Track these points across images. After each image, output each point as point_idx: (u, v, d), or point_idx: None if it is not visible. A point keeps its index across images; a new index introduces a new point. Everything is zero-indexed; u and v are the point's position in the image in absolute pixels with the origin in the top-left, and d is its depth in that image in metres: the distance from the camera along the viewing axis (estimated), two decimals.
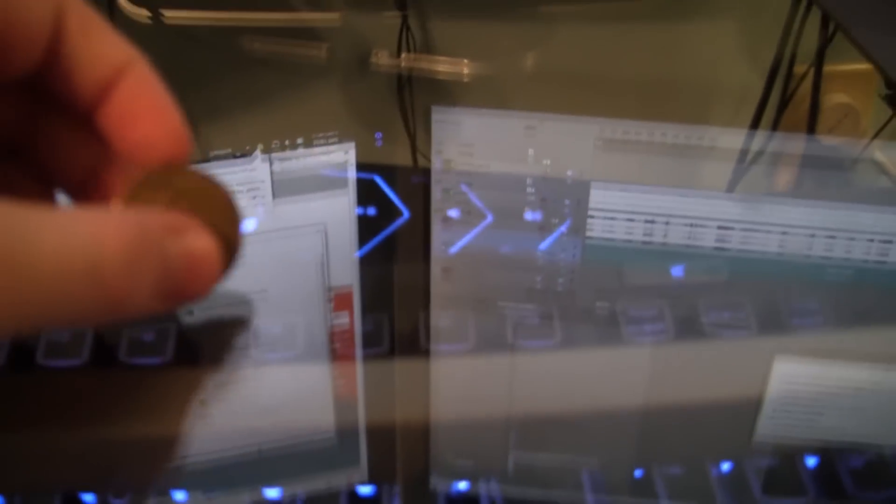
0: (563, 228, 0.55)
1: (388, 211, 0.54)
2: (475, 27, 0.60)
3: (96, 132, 0.26)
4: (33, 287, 0.18)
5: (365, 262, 0.51)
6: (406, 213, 0.54)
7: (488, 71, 0.58)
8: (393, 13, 0.59)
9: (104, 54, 0.24)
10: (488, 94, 0.58)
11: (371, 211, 0.53)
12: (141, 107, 0.25)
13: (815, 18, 0.60)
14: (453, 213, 0.54)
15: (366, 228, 0.52)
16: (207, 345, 0.47)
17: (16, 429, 0.38)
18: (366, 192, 0.53)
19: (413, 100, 0.59)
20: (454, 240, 0.55)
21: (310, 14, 0.59)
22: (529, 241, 0.55)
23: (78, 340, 0.45)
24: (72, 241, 0.19)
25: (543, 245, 0.55)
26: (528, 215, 0.55)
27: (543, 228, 0.55)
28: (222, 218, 0.25)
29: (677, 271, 0.54)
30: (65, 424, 0.39)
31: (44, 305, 0.19)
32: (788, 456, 0.44)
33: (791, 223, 0.54)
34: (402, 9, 0.60)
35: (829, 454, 0.44)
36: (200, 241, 0.23)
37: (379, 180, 0.55)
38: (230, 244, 0.25)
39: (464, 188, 0.54)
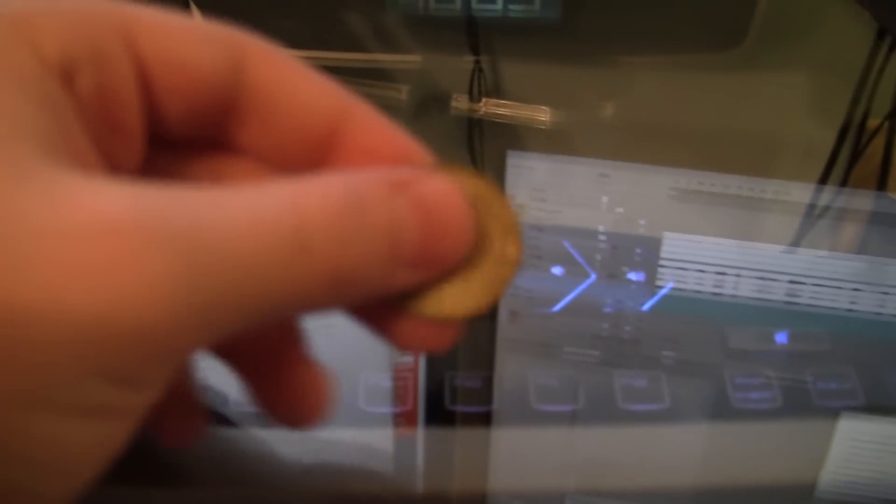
0: (633, 277, 0.55)
1: None
2: (547, 73, 0.61)
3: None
4: (223, 268, 0.15)
5: None
6: None
7: (567, 119, 0.59)
8: (468, 58, 0.60)
9: (308, 105, 0.20)
10: (561, 141, 0.59)
11: None
12: (368, 156, 0.21)
13: (892, 70, 0.60)
14: (523, 256, 0.55)
15: None
16: None
17: None
18: None
19: (483, 144, 0.59)
20: (524, 285, 0.55)
21: (391, 56, 0.60)
22: (599, 289, 0.55)
23: None
24: (260, 212, 0.16)
25: (612, 292, 0.55)
26: (598, 262, 0.55)
27: (613, 275, 0.55)
28: (500, 221, 0.21)
29: (747, 324, 0.53)
30: None
31: (243, 286, 0.16)
32: None
33: (863, 280, 0.54)
34: (476, 53, 0.60)
35: None
36: (435, 185, 0.19)
37: None
38: (511, 255, 0.22)
39: (532, 233, 0.55)
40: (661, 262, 0.54)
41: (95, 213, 0.15)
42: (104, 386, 0.15)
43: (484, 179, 0.21)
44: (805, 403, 0.47)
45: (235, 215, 0.16)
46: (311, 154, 0.21)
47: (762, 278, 0.54)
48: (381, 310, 0.21)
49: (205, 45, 0.19)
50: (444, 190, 0.19)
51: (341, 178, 0.18)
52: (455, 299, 0.21)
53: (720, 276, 0.54)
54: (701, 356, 0.50)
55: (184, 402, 0.22)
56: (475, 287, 0.21)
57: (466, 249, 0.20)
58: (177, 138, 0.21)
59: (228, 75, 0.20)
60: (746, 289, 0.54)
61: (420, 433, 0.50)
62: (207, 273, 0.15)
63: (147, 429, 0.19)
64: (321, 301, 0.18)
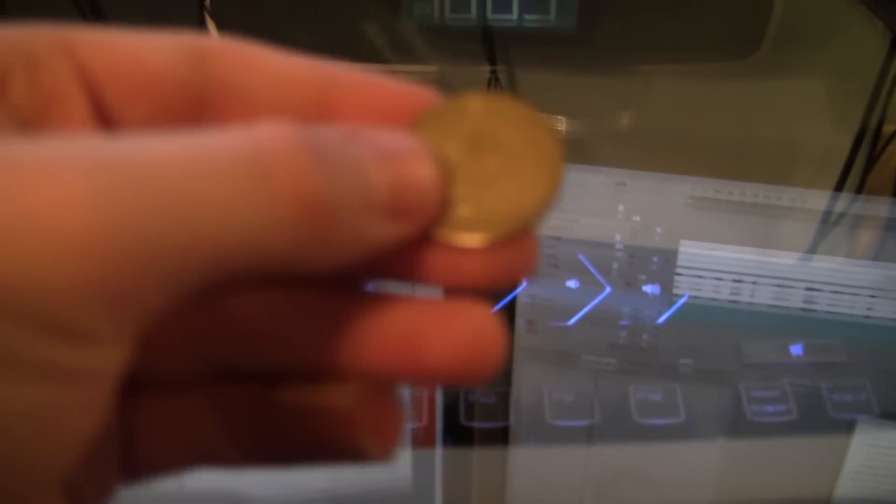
0: (650, 285, 0.55)
1: None
2: (563, 82, 0.61)
3: None
4: (167, 207, 0.14)
5: None
6: None
7: (583, 128, 0.59)
8: (484, 67, 0.60)
9: (284, 81, 0.19)
10: (577, 150, 0.59)
11: None
12: (368, 115, 0.19)
13: None
14: (539, 265, 0.55)
15: None
16: None
17: None
18: None
19: None
20: (541, 293, 0.55)
21: (406, 66, 0.61)
22: (616, 298, 0.55)
23: None
24: (209, 145, 0.15)
25: (629, 300, 0.55)
26: (615, 270, 0.55)
27: (630, 284, 0.55)
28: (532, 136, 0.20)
29: (765, 332, 0.53)
30: None
31: (198, 226, 0.14)
32: None
33: (880, 286, 0.54)
34: (492, 63, 0.60)
35: None
36: (393, 138, 0.18)
37: None
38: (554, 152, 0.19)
39: (549, 243, 0.55)
40: (678, 271, 0.54)
41: (10, 158, 0.14)
42: (41, 339, 0.14)
43: (511, 98, 0.20)
44: (821, 415, 0.47)
45: (178, 151, 0.15)
46: None
47: (779, 286, 0.54)
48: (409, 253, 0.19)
49: (156, 46, 0.18)
50: (405, 142, 0.18)
51: (293, 123, 0.16)
52: (495, 209, 0.19)
53: (737, 284, 0.54)
54: (717, 366, 0.50)
55: (377, 394, 0.20)
56: (515, 191, 0.19)
57: (437, 204, 0.18)
58: None
59: (188, 71, 0.18)
60: (763, 296, 0.54)
61: (438, 450, 0.50)
62: (145, 213, 0.14)
63: (344, 441, 0.19)
64: (300, 244, 0.16)
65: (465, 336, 0.19)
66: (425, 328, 0.19)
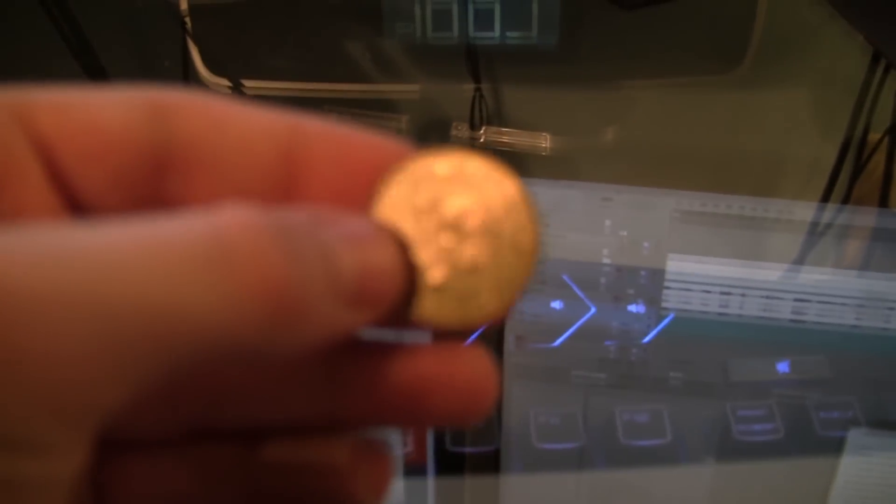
0: (638, 299, 0.55)
1: None
2: (547, 99, 0.61)
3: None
4: (116, 301, 0.13)
5: None
6: None
7: (568, 145, 0.59)
8: (469, 85, 0.60)
9: (248, 136, 0.18)
10: (562, 166, 0.59)
11: None
12: (338, 169, 0.19)
13: (890, 86, 0.60)
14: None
15: None
16: None
17: None
18: None
19: None
20: (529, 311, 0.55)
21: (390, 86, 0.61)
22: (604, 312, 0.55)
23: None
24: (164, 232, 0.14)
25: (618, 315, 0.55)
26: (603, 285, 0.55)
27: (618, 300, 0.55)
28: (506, 200, 0.18)
29: (754, 344, 0.53)
30: None
31: (150, 318, 0.13)
32: None
33: (869, 296, 0.54)
34: (476, 81, 0.60)
35: None
36: (360, 223, 0.17)
37: None
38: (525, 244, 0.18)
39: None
40: (667, 285, 0.54)
41: None
42: None
43: (484, 158, 0.19)
44: (808, 433, 0.47)
45: (134, 239, 0.14)
46: (272, 189, 0.19)
47: (767, 297, 0.54)
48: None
49: (113, 107, 0.18)
50: (370, 228, 0.18)
51: (256, 207, 0.15)
52: (470, 302, 0.19)
53: (725, 297, 0.54)
54: (704, 383, 0.50)
55: (371, 445, 0.19)
56: (489, 284, 0.19)
57: (399, 292, 0.18)
58: (113, 208, 0.18)
59: (148, 132, 0.18)
60: (752, 309, 0.54)
61: (429, 477, 0.50)
62: (96, 306, 0.13)
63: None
64: (265, 333, 0.15)
65: (467, 380, 0.18)
66: (426, 375, 0.18)
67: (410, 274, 0.18)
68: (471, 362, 0.18)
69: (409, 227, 0.19)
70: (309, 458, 0.19)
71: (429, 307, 0.18)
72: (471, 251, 0.19)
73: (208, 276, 0.14)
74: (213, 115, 0.18)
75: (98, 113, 0.18)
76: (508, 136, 0.59)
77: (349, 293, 0.16)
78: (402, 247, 0.18)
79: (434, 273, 0.19)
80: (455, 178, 0.19)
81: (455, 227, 0.19)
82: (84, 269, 0.13)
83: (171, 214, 0.15)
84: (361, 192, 0.19)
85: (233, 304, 0.14)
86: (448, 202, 0.19)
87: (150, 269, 0.14)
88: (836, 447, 0.47)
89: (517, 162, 0.60)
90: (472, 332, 0.19)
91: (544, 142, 0.59)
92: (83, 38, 0.58)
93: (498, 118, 0.61)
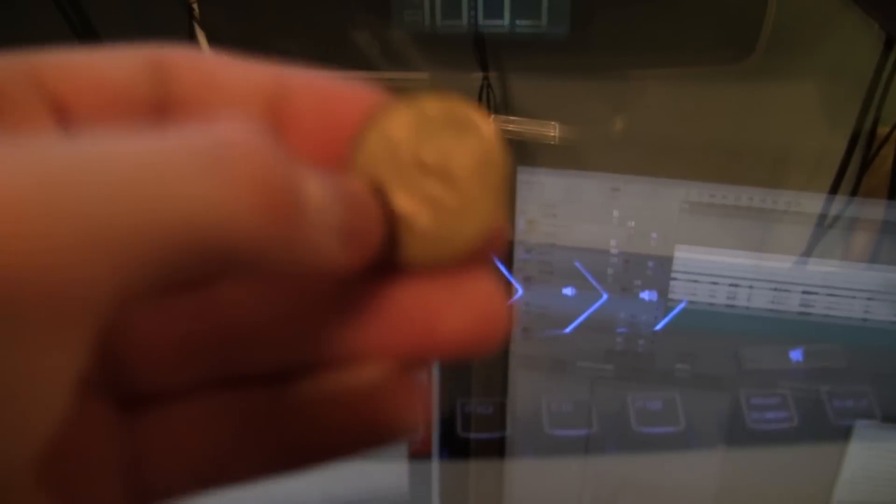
0: (646, 291, 0.55)
1: None
2: (556, 88, 0.61)
3: None
4: (112, 184, 0.13)
5: None
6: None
7: (577, 134, 0.59)
8: (477, 74, 0.60)
9: (235, 89, 0.19)
10: (571, 156, 0.59)
11: None
12: (321, 120, 0.19)
13: None
14: (534, 272, 0.55)
15: None
16: None
17: None
18: None
19: None
20: (536, 300, 0.55)
21: (398, 74, 0.60)
22: (612, 304, 0.54)
23: None
24: (158, 141, 0.14)
25: (627, 304, 0.55)
26: (611, 276, 0.55)
27: (626, 290, 0.54)
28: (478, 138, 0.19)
29: (762, 336, 0.53)
30: None
31: (147, 214, 0.14)
32: None
33: (877, 289, 0.54)
34: (484, 69, 0.60)
35: None
36: (344, 180, 0.18)
37: None
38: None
39: (544, 250, 0.54)
40: (674, 276, 0.54)
41: None
42: None
43: (455, 99, 0.19)
44: (822, 421, 0.47)
45: (134, 142, 0.14)
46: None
47: (776, 289, 0.54)
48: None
49: (118, 65, 0.18)
50: (351, 182, 0.18)
51: (252, 121, 0.16)
52: (453, 241, 0.19)
53: (733, 289, 0.54)
54: (716, 372, 0.49)
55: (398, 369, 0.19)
56: (470, 222, 0.19)
57: (382, 234, 0.18)
58: None
59: (150, 87, 0.18)
60: (760, 301, 0.54)
61: (434, 462, 0.50)
62: (92, 200, 0.13)
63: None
64: (262, 237, 0.15)
65: (476, 306, 0.19)
66: (436, 302, 0.19)
67: (391, 219, 0.19)
68: (479, 287, 0.19)
69: (388, 173, 0.19)
70: (338, 389, 0.19)
71: (413, 250, 0.19)
72: (449, 194, 0.19)
73: (204, 170, 0.14)
74: (204, 69, 0.19)
75: (103, 70, 0.18)
76: (517, 125, 0.59)
77: (337, 221, 0.17)
78: (381, 193, 0.19)
79: (416, 217, 0.19)
80: (430, 123, 0.19)
81: (434, 171, 0.19)
82: (81, 167, 0.13)
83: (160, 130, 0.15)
84: (344, 139, 0.19)
85: (226, 198, 0.14)
86: (425, 147, 0.19)
87: (145, 167, 0.14)
88: (848, 436, 0.47)
89: (525, 151, 0.59)
90: (457, 268, 0.19)
91: (553, 131, 0.58)
92: (89, 23, 0.57)
93: (506, 107, 0.61)
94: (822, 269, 0.54)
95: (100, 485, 0.18)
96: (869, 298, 0.53)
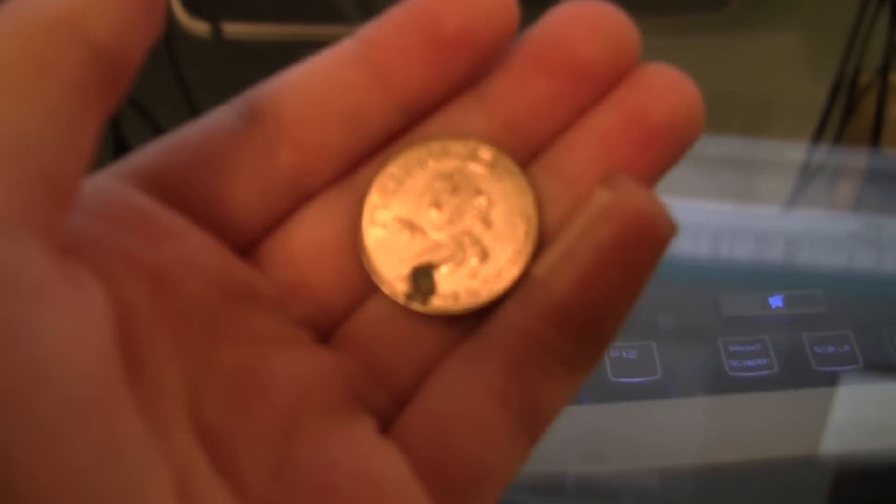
0: None
1: None
2: None
3: None
4: None
5: None
6: None
7: None
8: None
9: None
10: None
11: None
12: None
13: (882, 24, 0.59)
14: None
15: None
16: None
17: None
18: None
19: None
20: None
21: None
22: None
23: None
24: None
25: None
26: None
27: None
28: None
29: (744, 287, 0.53)
30: None
31: None
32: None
33: (860, 237, 0.53)
34: None
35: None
36: None
37: None
38: None
39: None
40: None
41: None
42: None
43: (493, 147, 0.21)
44: (803, 369, 0.47)
45: None
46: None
47: (758, 239, 0.53)
48: None
49: None
50: None
51: None
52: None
53: (715, 240, 0.53)
54: (695, 321, 0.49)
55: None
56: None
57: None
58: None
59: None
60: (743, 251, 0.53)
61: None
62: None
63: None
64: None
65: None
66: None
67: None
68: None
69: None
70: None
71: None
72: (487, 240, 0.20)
73: None
74: None
75: None
76: None
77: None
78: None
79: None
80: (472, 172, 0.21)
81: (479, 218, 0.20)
82: None
83: None
84: None
85: None
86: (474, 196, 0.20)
87: None
88: (831, 383, 0.46)
89: None
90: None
91: None
92: None
93: None
94: (805, 218, 0.54)
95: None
96: (852, 247, 0.53)
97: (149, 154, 0.19)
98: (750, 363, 0.46)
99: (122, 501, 0.13)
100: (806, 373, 0.46)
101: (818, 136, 0.62)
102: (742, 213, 0.54)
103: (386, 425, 0.19)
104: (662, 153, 0.20)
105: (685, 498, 0.42)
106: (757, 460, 0.45)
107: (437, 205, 0.20)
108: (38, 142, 0.13)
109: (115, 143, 0.51)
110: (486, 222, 0.20)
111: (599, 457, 0.43)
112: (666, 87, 0.19)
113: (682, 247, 0.53)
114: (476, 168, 0.20)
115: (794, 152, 0.56)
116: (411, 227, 0.20)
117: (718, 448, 0.45)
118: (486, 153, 0.20)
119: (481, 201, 0.21)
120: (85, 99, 0.14)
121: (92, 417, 0.13)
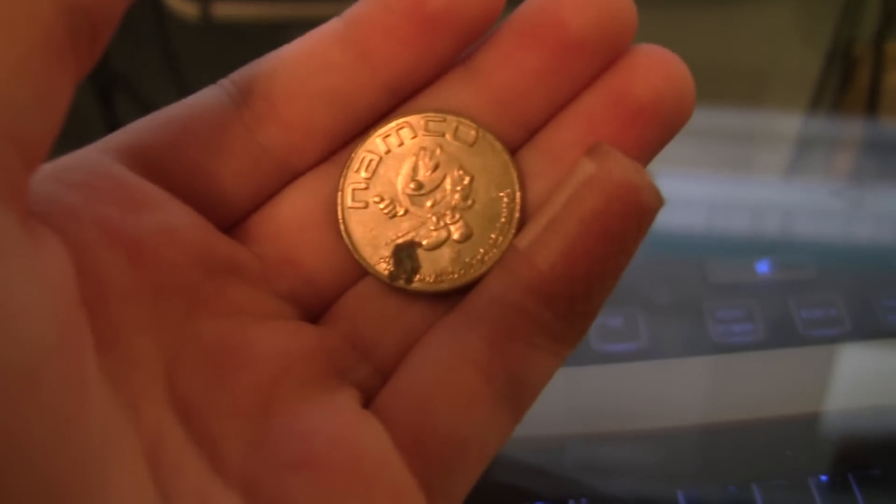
0: None
1: None
2: None
3: None
4: None
5: None
6: None
7: None
8: None
9: None
10: None
11: None
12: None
13: None
14: None
15: None
16: None
17: None
18: None
19: None
20: None
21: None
22: None
23: None
24: None
25: None
26: None
27: None
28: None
29: (739, 259, 0.53)
30: None
31: None
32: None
33: (856, 207, 0.53)
34: None
35: None
36: None
37: None
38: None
39: None
40: None
41: None
42: None
43: (473, 123, 0.21)
44: (790, 333, 0.46)
45: None
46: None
47: (754, 211, 0.53)
48: None
49: None
50: None
51: None
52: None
53: (710, 212, 0.53)
54: (681, 290, 0.49)
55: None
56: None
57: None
58: None
59: None
60: (738, 223, 0.53)
61: None
62: None
63: None
64: None
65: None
66: None
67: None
68: None
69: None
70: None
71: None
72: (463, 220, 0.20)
73: None
74: None
75: None
76: None
77: None
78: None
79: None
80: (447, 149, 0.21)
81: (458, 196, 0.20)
82: None
83: None
84: None
85: None
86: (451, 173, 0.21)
87: None
88: (818, 348, 0.46)
89: None
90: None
91: None
92: None
93: None
94: (801, 189, 0.54)
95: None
96: (847, 217, 0.53)
97: (134, 130, 0.19)
98: (736, 328, 0.45)
99: (76, 472, 0.13)
100: (792, 337, 0.46)
101: (814, 106, 0.62)
102: (737, 185, 0.53)
103: (371, 399, 0.19)
104: (648, 131, 0.20)
105: (659, 461, 0.42)
106: (740, 421, 0.45)
107: (419, 182, 0.20)
108: (3, 101, 0.13)
109: (106, 123, 0.51)
110: (468, 199, 0.20)
111: (581, 419, 0.43)
112: (652, 66, 0.19)
113: (676, 218, 0.53)
114: (458, 144, 0.20)
115: (790, 123, 0.56)
116: (392, 204, 0.20)
117: (694, 409, 0.45)
118: (467, 129, 0.20)
119: (463, 177, 0.20)
120: (56, 58, 0.14)
121: (41, 384, 0.12)
